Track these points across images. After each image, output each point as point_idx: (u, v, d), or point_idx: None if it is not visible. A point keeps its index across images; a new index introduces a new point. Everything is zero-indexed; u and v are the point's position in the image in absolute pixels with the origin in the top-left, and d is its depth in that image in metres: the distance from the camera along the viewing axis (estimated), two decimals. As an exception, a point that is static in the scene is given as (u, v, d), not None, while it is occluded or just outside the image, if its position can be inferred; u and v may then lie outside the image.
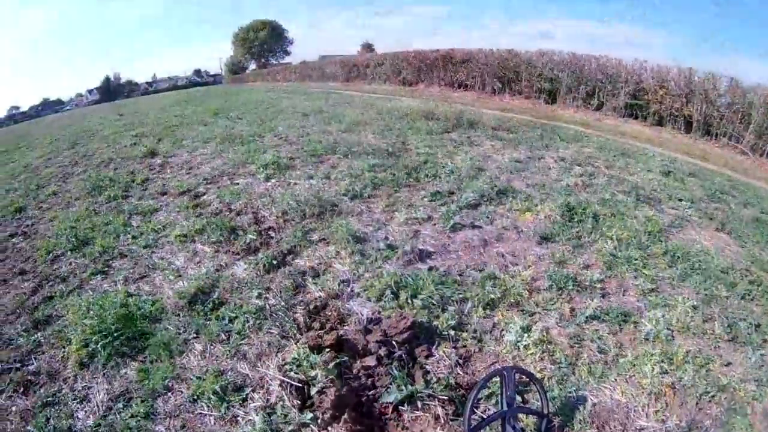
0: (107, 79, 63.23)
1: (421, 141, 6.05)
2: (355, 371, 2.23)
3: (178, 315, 2.73)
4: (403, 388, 2.00)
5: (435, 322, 2.42)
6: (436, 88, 15.35)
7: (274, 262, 3.05)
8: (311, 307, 2.51)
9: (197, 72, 67.85)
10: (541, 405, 1.82)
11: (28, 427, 2.30)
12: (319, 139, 6.15)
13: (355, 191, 4.00)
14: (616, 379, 2.16)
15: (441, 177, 4.59)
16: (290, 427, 1.88)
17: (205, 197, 4.66)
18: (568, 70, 11.87)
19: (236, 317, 2.59)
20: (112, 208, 4.97)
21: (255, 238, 3.39)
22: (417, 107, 8.51)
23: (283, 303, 2.58)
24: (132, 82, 65.52)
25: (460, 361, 2.22)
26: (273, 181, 4.74)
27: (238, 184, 4.80)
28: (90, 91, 66.42)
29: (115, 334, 2.56)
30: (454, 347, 2.29)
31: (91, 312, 2.74)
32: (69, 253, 4.02)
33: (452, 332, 2.36)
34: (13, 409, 2.47)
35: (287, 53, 50.93)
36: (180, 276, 3.19)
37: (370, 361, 2.33)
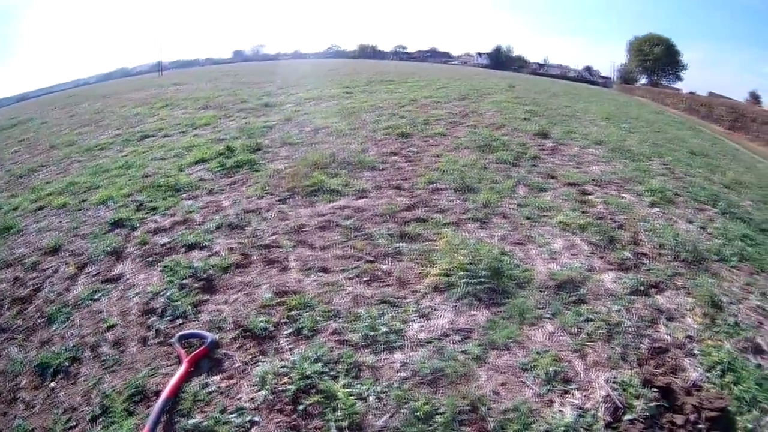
0: (498, 48, 69.27)
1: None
2: (662, 420, 2.60)
3: (543, 291, 2.91)
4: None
5: (737, 417, 2.44)
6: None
7: (641, 288, 3.12)
8: (655, 345, 2.69)
9: (588, 69, 68.40)
10: None
11: (360, 310, 2.63)
12: (702, 185, 5.64)
13: (724, 254, 3.70)
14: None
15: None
16: (589, 436, 2.07)
17: (591, 197, 4.69)
18: None
19: (593, 320, 2.69)
20: (501, 170, 5.26)
21: (630, 257, 3.50)
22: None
23: (635, 329, 2.72)
24: (522, 58, 69.30)
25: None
26: (656, 209, 4.60)
27: (623, 198, 4.84)
28: (480, 54, 73.14)
29: (482, 279, 2.87)
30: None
31: (465, 251, 3.11)
32: (451, 191, 4.46)
33: (739, 434, 2.15)
34: (351, 291, 2.84)
35: (679, 78, 48.19)
36: (554, 259, 3.34)
37: (679, 419, 2.58)
